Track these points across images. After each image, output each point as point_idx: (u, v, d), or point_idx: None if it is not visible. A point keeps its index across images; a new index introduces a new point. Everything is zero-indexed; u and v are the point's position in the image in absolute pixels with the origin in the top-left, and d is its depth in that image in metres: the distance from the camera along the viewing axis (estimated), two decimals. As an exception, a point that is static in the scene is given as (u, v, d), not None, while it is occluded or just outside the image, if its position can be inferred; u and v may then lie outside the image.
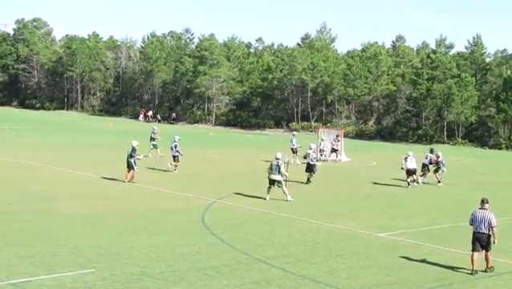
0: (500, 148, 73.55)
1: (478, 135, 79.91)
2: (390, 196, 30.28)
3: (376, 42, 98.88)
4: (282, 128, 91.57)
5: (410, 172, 33.70)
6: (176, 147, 34.75)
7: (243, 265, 15.96)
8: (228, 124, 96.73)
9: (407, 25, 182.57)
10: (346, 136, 58.13)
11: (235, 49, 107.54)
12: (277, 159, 26.88)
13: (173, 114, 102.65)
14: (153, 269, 15.17)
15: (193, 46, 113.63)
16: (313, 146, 34.97)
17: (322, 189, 31.58)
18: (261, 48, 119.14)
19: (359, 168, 41.62)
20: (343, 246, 18.52)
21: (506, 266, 16.78)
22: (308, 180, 32.92)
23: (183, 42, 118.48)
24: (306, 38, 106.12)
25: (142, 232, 19.17)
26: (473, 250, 16.18)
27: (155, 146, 41.65)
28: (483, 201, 16.64)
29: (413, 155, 34.53)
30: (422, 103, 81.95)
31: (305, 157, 34.79)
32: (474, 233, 16.29)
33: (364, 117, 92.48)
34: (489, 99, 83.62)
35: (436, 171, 35.11)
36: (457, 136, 78.86)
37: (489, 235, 16.20)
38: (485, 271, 16.18)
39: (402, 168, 34.26)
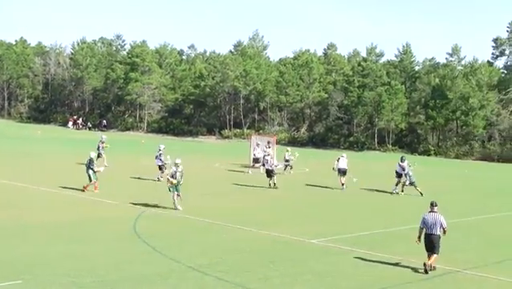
0: (429, 155, 75.22)
1: (408, 141, 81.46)
2: (323, 202, 30.57)
3: (308, 50, 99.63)
4: (214, 134, 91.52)
5: (341, 172, 34.51)
6: (160, 156, 34.77)
7: (176, 273, 15.82)
8: (160, 131, 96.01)
9: (338, 33, 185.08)
10: (278, 142, 58.40)
11: (167, 56, 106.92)
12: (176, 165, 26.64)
13: (104, 121, 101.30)
14: (83, 279, 14.88)
15: (125, 52, 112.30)
16: (270, 152, 35.73)
17: (255, 196, 31.66)
18: (193, 55, 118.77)
19: (292, 175, 41.85)
20: (277, 253, 18.57)
21: (436, 271, 17.09)
22: (274, 184, 33.96)
23: (114, 48, 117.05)
24: (238, 45, 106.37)
25: (72, 241, 18.81)
26: (427, 250, 17.15)
27: (100, 155, 41.36)
28: (432, 205, 17.61)
29: (346, 156, 35.40)
30: (353, 110, 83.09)
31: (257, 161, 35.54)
32: (427, 235, 17.16)
33: (296, 124, 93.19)
34: (418, 107, 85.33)
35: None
36: (387, 142, 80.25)
37: (440, 237, 17.12)
38: (426, 272, 16.72)
39: (333, 169, 34.99)
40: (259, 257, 17.98)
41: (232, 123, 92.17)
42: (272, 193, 33.08)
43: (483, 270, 17.30)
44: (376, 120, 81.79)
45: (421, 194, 32.64)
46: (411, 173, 34.07)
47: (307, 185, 36.65)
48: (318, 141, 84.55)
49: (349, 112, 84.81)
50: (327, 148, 78.85)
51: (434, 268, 16.91)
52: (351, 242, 20.59)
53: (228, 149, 60.03)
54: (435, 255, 17.05)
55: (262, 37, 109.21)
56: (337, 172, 34.93)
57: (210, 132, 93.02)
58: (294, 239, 20.61)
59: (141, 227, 21.51)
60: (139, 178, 36.11)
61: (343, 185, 34.66)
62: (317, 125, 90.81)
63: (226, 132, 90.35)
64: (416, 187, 33.44)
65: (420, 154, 75.75)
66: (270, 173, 34.26)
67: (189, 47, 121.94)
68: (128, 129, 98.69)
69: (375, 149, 78.62)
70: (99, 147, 42.06)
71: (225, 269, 16.36)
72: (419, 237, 17.41)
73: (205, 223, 22.91)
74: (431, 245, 17.07)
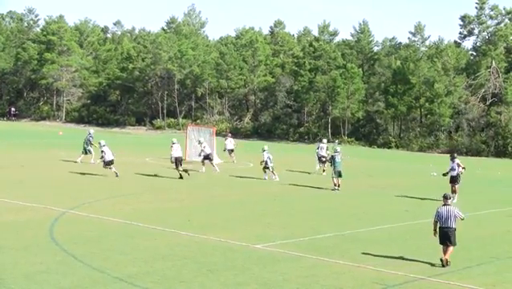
0: (390, 147, 76.26)
1: (366, 132, 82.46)
2: (267, 201, 30.74)
3: (252, 28, 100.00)
4: (144, 125, 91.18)
5: (322, 162, 39.14)
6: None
7: (100, 285, 15.78)
8: (81, 120, 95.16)
9: (286, 9, 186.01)
10: (218, 134, 58.52)
11: (89, 34, 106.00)
12: None
13: (13, 109, 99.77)
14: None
15: (38, 29, 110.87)
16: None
17: (191, 195, 31.71)
18: (119, 33, 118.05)
19: (233, 171, 42.01)
20: (216, 261, 18.64)
21: (396, 278, 17.42)
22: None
23: (25, 24, 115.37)
24: (172, 22, 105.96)
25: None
26: (442, 243, 18.95)
27: (89, 151, 41.27)
28: (446, 197, 19.45)
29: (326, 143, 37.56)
30: (304, 96, 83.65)
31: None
32: (441, 228, 18.95)
33: (239, 113, 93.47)
34: (377, 93, 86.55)
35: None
36: (342, 133, 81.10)
37: (455, 229, 18.98)
38: (444, 266, 18.53)
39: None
40: (196, 265, 18.03)
41: (165, 111, 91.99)
42: (212, 191, 33.19)
43: (450, 277, 17.67)
44: (330, 108, 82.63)
45: None
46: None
47: (249, 182, 36.85)
48: (263, 132, 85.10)
49: (299, 99, 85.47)
50: (275, 140, 79.34)
51: (449, 263, 18.64)
52: (301, 246, 20.80)
53: (160, 142, 59.79)
54: (451, 248, 18.83)
55: (200, 13, 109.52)
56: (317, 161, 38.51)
57: (140, 121, 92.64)
58: (236, 244, 20.72)
59: (59, 233, 21.34)
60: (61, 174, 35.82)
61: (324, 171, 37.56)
62: (263, 114, 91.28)
63: (158, 121, 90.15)
64: None
65: (379, 146, 76.89)
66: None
67: (115, 24, 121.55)
68: (43, 119, 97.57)
69: (329, 141, 79.34)
70: (87, 142, 41.84)
71: (157, 279, 16.38)
72: (434, 230, 19.11)
73: (135, 227, 22.84)
74: (446, 238, 18.85)
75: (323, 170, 42.27)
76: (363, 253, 19.64)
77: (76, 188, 32.11)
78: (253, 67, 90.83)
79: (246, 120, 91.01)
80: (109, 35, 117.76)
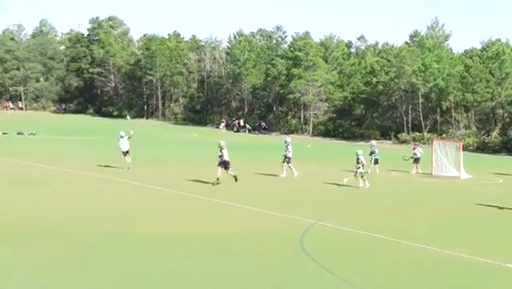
0: None
1: None
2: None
3: (499, 40, 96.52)
4: (389, 139, 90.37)
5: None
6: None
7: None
8: (327, 134, 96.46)
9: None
10: (465, 148, 57.12)
11: (333, 49, 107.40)
12: None
13: (262, 123, 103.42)
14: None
15: (286, 46, 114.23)
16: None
17: (436, 210, 31.12)
18: (363, 48, 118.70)
19: (482, 187, 40.74)
20: (467, 280, 18.17)
21: None
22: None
23: (274, 41, 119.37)
24: (415, 35, 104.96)
25: (227, 256, 19.50)
26: None
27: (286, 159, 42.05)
28: None
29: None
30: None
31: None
32: None
33: (487, 127, 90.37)
34: None
35: None
36: None
37: None
38: None
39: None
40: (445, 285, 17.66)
41: (410, 125, 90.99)
42: (452, 207, 32.36)
43: None
44: None
45: None
46: None
47: (498, 199, 35.54)
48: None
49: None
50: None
51: None
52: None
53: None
54: None
55: (443, 25, 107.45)
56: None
57: (385, 135, 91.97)
58: (487, 263, 20.03)
59: (309, 243, 21.78)
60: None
61: None
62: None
63: (403, 135, 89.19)
64: None
65: None
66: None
67: (359, 39, 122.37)
68: (291, 132, 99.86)
69: None
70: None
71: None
72: None
73: (379, 239, 22.76)
74: None
75: None
76: None
77: (323, 199, 32.70)
78: (500, 79, 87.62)
79: (494, 134, 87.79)
80: (353, 50, 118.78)
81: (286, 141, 42.18)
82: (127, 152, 41.77)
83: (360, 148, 41.20)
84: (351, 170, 39.29)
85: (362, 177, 37.60)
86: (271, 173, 41.72)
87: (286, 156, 41.27)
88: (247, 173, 40.11)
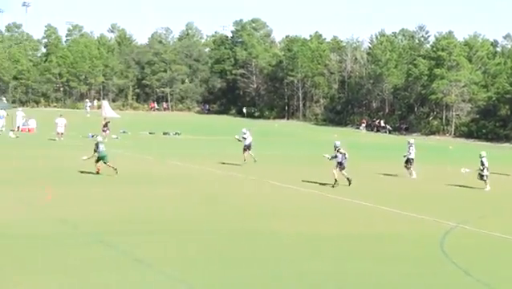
0: None
1: None
2: None
3: None
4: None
5: None
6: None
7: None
8: (470, 135, 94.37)
9: None
10: None
11: (478, 48, 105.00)
12: None
13: (403, 124, 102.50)
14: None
15: (428, 45, 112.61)
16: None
17: None
18: (510, 46, 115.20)
19: None
20: None
21: None
22: None
23: (416, 41, 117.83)
24: None
25: (366, 258, 19.69)
26: None
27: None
28: None
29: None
30: None
31: None
32: None
33: None
34: None
35: None
36: None
37: None
38: None
39: None
40: None
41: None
42: None
43: None
44: None
45: None
46: None
47: None
48: None
49: None
50: None
51: None
52: None
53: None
54: None
55: None
56: None
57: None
58: None
59: (449, 245, 21.72)
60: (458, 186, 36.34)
61: None
62: None
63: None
64: None
65: None
66: None
67: (505, 37, 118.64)
68: (432, 133, 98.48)
69: None
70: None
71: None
72: None
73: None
74: None
75: None
76: None
77: (460, 202, 32.37)
78: None
79: None
80: (499, 49, 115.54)
81: (409, 142, 41.73)
82: (248, 146, 43.55)
83: (484, 150, 39.55)
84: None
85: (484, 180, 36.31)
86: (404, 175, 41.22)
87: (407, 158, 40.85)
88: (379, 174, 40.62)
